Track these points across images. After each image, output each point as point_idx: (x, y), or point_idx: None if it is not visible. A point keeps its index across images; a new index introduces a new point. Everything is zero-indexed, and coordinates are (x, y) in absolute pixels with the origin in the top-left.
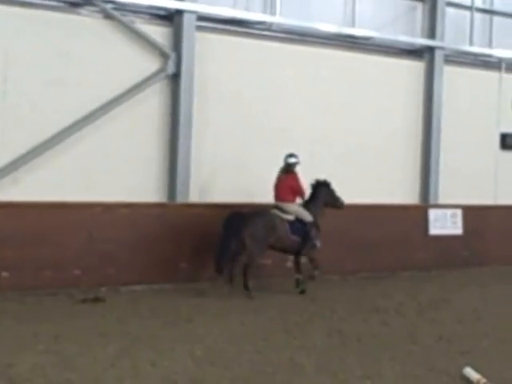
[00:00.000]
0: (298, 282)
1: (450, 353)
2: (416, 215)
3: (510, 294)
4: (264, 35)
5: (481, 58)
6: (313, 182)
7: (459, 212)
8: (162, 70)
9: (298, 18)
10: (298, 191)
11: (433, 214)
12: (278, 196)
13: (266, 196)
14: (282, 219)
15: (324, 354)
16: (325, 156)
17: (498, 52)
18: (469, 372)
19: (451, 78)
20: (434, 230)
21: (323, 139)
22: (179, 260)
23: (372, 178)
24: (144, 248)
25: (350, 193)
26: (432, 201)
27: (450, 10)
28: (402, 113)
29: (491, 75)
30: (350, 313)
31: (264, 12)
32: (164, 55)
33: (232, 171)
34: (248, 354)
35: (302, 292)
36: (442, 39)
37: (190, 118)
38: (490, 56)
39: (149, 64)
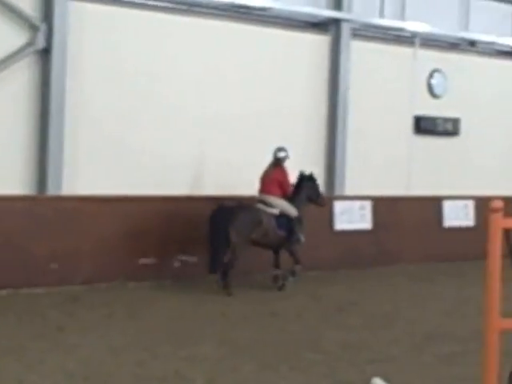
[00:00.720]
0: (276, 278)
1: (357, 361)
2: (319, 208)
3: (423, 296)
4: (147, 5)
5: (392, 32)
6: (298, 175)
7: (368, 204)
8: (30, 43)
9: None
10: (285, 186)
11: (339, 206)
12: (263, 189)
13: (160, 187)
14: (268, 213)
15: (215, 364)
16: (217, 137)
17: (412, 25)
18: (377, 383)
19: (359, 53)
20: (340, 224)
21: (215, 119)
22: (49, 260)
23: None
24: (8, 247)
25: (244, 180)
26: (338, 192)
27: None
28: (305, 92)
29: (404, 51)
30: (244, 318)
31: None
32: (33, 27)
33: (112, 158)
34: (128, 366)
35: (282, 287)
36: (349, 11)
37: (62, 99)
38: (402, 30)
39: (15, 37)
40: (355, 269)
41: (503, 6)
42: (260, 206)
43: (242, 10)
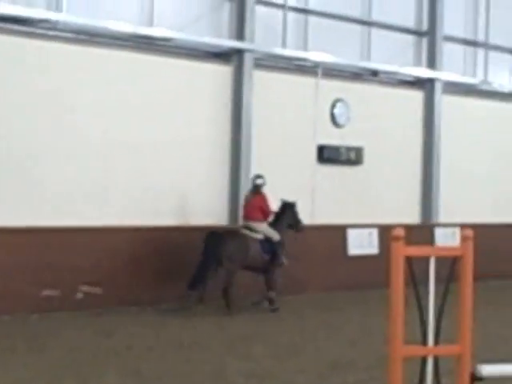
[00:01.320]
0: (271, 301)
1: None
2: None
3: (329, 324)
4: (48, 35)
5: (295, 62)
6: (281, 202)
7: None
8: None
9: (87, 15)
10: (267, 211)
11: None
12: (247, 215)
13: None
14: (253, 239)
15: None
16: (119, 167)
17: (314, 55)
18: None
19: (262, 83)
20: None
21: (114, 151)
22: None
23: (171, 196)
24: None
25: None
26: (242, 222)
27: (261, 9)
28: (208, 123)
29: (307, 81)
30: (148, 349)
31: (48, 9)
32: None
33: (16, 189)
34: None
35: (275, 310)
36: (251, 41)
37: None
38: (305, 60)
39: None
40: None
41: (405, 36)
42: (245, 231)
43: (144, 40)
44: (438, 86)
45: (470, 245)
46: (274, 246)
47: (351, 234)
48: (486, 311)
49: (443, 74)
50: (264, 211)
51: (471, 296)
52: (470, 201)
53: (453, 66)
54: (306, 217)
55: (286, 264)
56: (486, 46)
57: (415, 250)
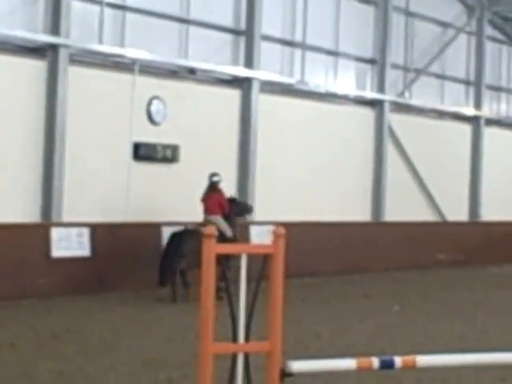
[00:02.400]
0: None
1: None
2: (36, 235)
3: (143, 322)
4: None
5: (112, 59)
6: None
7: (86, 231)
8: None
9: None
10: (225, 206)
11: (56, 233)
12: (207, 210)
13: None
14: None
15: None
16: None
17: (131, 52)
18: None
19: (78, 79)
20: (58, 251)
21: None
22: None
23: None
24: None
25: None
26: (55, 218)
27: (77, 4)
28: (21, 119)
29: (124, 78)
30: None
31: None
32: None
33: None
34: None
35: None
36: (66, 36)
37: None
38: (121, 56)
39: None
40: (73, 296)
41: (223, 35)
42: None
43: None
44: (255, 85)
45: (282, 242)
46: (226, 241)
47: (165, 232)
48: (300, 308)
49: (260, 73)
50: (222, 206)
51: (282, 293)
52: (286, 199)
53: (270, 66)
54: (121, 214)
55: (237, 258)
56: (303, 46)
57: (227, 248)
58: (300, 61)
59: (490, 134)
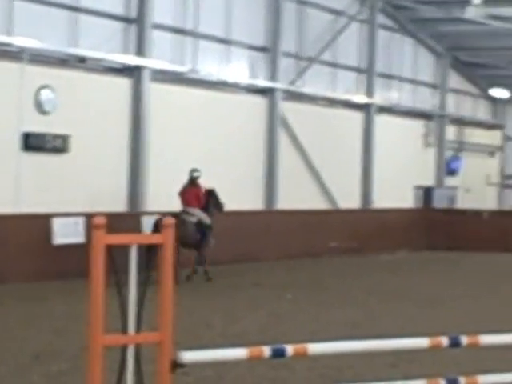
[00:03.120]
0: (205, 273)
1: None
2: None
3: (32, 315)
4: None
5: (0, 48)
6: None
7: None
8: None
9: None
10: (202, 199)
11: None
12: (186, 202)
13: None
14: (190, 222)
15: None
16: None
17: (20, 41)
18: None
19: None
20: None
21: None
22: None
23: None
24: None
25: None
26: None
27: None
28: None
29: (12, 66)
30: None
31: None
32: None
33: None
34: None
35: (210, 279)
36: None
37: None
38: (9, 45)
39: None
40: None
41: (113, 23)
42: (184, 216)
43: None
44: (146, 74)
45: (171, 233)
46: (204, 228)
47: (56, 223)
48: (192, 298)
49: (151, 62)
50: (199, 199)
51: (171, 283)
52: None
53: (161, 54)
54: (9, 205)
55: (213, 244)
56: (195, 34)
57: (116, 239)
58: (192, 49)
59: (381, 121)
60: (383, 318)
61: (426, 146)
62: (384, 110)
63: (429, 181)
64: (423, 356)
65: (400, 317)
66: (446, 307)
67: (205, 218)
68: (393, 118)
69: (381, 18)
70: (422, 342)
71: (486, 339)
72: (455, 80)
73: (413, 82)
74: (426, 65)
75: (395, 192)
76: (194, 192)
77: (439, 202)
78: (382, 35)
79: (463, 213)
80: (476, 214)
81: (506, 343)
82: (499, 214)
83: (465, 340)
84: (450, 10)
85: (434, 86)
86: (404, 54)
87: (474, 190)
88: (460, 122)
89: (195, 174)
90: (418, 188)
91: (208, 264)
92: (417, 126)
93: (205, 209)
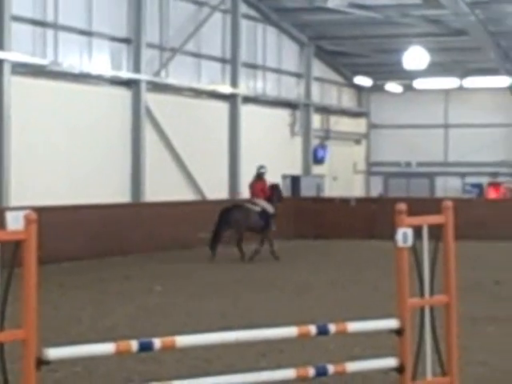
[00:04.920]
0: (272, 252)
1: None
2: None
3: None
4: None
5: None
6: (269, 185)
7: None
8: None
9: None
10: (266, 192)
11: None
12: (252, 194)
13: None
14: (254, 210)
15: None
16: None
17: None
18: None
19: None
20: None
21: None
22: None
23: None
24: None
25: None
26: None
27: None
28: None
29: None
30: None
31: None
32: None
33: None
34: None
35: (277, 258)
36: None
37: None
38: None
39: None
40: None
41: None
42: (249, 205)
43: None
44: (7, 67)
45: (34, 228)
46: (268, 215)
47: None
48: (59, 294)
49: (11, 55)
50: (264, 192)
51: (35, 279)
52: (44, 183)
53: (22, 47)
54: None
55: (275, 229)
56: (56, 26)
57: None
58: (53, 41)
59: (247, 111)
60: (253, 307)
61: (293, 135)
62: (249, 99)
63: (296, 170)
64: (293, 345)
65: (270, 306)
66: (314, 295)
67: (268, 207)
68: (259, 108)
69: (244, 8)
70: (291, 331)
71: (354, 326)
72: (319, 69)
73: (277, 71)
74: (290, 54)
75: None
76: (259, 185)
77: (307, 190)
78: (245, 25)
79: (331, 201)
80: (343, 202)
81: (372, 329)
82: (366, 202)
83: (333, 328)
84: None
85: (298, 76)
86: (268, 44)
87: (341, 177)
88: (325, 110)
89: (262, 170)
90: (285, 177)
91: (272, 246)
92: (283, 115)
93: (269, 200)
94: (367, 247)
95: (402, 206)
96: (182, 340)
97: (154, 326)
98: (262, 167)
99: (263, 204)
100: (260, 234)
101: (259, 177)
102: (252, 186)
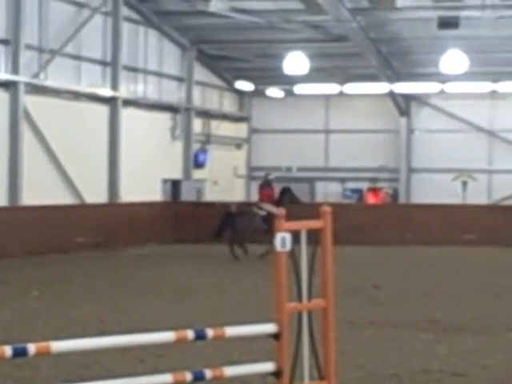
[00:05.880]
0: (266, 252)
1: None
2: None
3: None
4: None
5: None
6: (280, 188)
7: None
8: None
9: None
10: (272, 198)
11: None
12: (260, 199)
13: None
14: (258, 215)
15: None
16: None
17: None
18: None
19: None
20: None
21: None
22: None
23: None
24: None
25: None
26: None
27: None
28: None
29: None
30: None
31: None
32: None
33: None
34: None
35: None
36: None
37: None
38: None
39: None
40: None
41: None
42: (255, 209)
43: None
44: None
45: None
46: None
47: None
48: None
49: None
50: (270, 198)
51: None
52: None
53: None
54: None
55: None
56: None
57: None
58: None
59: (127, 114)
60: (132, 312)
61: (173, 138)
62: (130, 103)
63: (177, 174)
64: (171, 350)
65: (149, 311)
66: (194, 300)
67: (274, 209)
68: (139, 111)
69: (125, 11)
70: (169, 336)
71: (232, 331)
72: (201, 73)
73: (159, 74)
74: (171, 58)
75: (143, 185)
76: (266, 191)
77: (187, 194)
78: (126, 28)
79: (211, 205)
80: (224, 207)
81: (250, 334)
82: (246, 206)
83: (210, 333)
84: (195, 2)
85: (179, 79)
86: (149, 47)
87: (222, 182)
88: (206, 114)
89: (270, 177)
90: (166, 181)
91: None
92: (163, 119)
93: (277, 204)
94: (248, 250)
95: (281, 211)
96: (58, 345)
97: (31, 331)
98: (268, 174)
99: (268, 208)
100: (264, 235)
101: (266, 183)
102: (259, 192)
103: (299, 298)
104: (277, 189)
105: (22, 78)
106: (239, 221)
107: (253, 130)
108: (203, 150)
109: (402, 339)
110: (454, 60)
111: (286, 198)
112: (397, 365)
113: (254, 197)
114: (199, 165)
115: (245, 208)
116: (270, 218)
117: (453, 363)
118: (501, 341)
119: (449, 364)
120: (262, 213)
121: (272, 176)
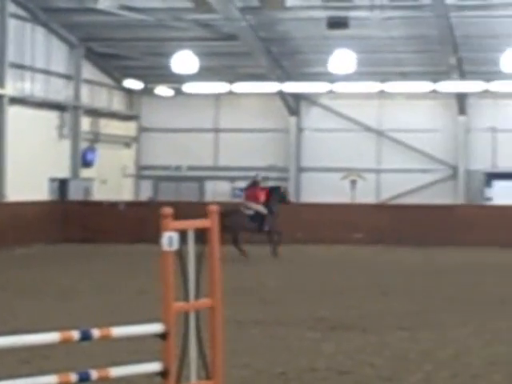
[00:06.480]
0: (274, 250)
1: None
2: None
3: None
4: None
5: None
6: (269, 188)
7: None
8: None
9: None
10: (259, 198)
11: None
12: (246, 198)
13: None
14: (246, 214)
15: None
16: None
17: None
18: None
19: None
20: None
21: None
22: None
23: None
24: None
25: None
26: None
27: None
28: None
29: None
30: None
31: None
32: None
33: None
34: None
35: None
36: None
37: None
38: None
39: None
40: None
41: None
42: (242, 208)
43: None
44: None
45: None
46: (262, 216)
47: None
48: None
49: None
50: (257, 198)
51: None
52: None
53: None
54: None
55: (268, 229)
56: None
57: None
58: None
59: (13, 112)
60: (16, 313)
61: (61, 137)
62: (16, 101)
63: (64, 173)
64: (57, 351)
65: (33, 312)
66: (80, 300)
67: (261, 209)
68: (26, 110)
69: (12, 7)
70: (53, 337)
71: (118, 331)
72: (89, 71)
73: (46, 72)
74: (59, 55)
75: (30, 184)
76: (253, 191)
77: (75, 193)
78: (13, 24)
79: (99, 205)
80: (112, 206)
81: (137, 334)
82: (135, 205)
83: (96, 333)
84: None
85: (67, 77)
86: (36, 44)
87: (110, 181)
88: (95, 113)
89: (258, 178)
90: (53, 180)
91: (277, 246)
92: (51, 117)
93: (265, 203)
94: (136, 251)
95: (168, 210)
96: None
97: None
98: (257, 175)
99: (255, 207)
100: (254, 233)
101: (254, 183)
102: (246, 192)
103: (186, 298)
104: (260, 188)
105: None
106: (227, 221)
107: (142, 129)
108: (91, 149)
109: (289, 338)
110: (342, 60)
111: (276, 196)
112: (284, 363)
113: (144, 196)
114: (87, 164)
115: (232, 208)
116: (259, 217)
117: (340, 361)
118: (388, 338)
119: (336, 362)
120: (249, 212)
121: (259, 177)
